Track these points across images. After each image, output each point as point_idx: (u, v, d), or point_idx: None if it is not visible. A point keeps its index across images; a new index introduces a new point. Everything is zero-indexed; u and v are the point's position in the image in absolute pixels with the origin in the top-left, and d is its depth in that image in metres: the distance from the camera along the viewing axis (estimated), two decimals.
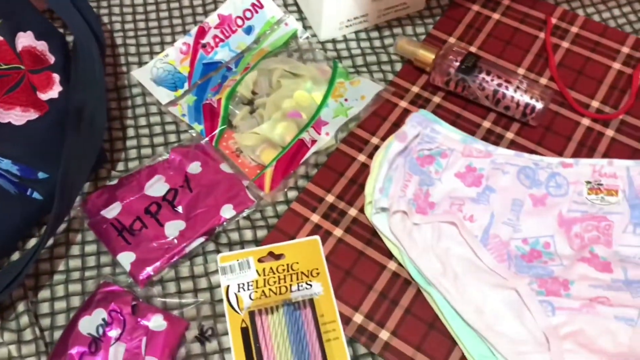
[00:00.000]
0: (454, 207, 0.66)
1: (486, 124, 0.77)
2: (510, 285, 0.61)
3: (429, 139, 0.69)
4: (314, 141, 0.73)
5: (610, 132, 0.76)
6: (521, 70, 0.81)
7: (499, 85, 0.74)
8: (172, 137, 0.76)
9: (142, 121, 0.77)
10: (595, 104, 0.78)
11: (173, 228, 0.68)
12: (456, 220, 0.64)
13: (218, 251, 0.67)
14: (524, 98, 0.74)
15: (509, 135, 0.76)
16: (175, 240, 0.67)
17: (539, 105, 0.73)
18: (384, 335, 0.63)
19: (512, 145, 0.75)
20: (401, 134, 0.68)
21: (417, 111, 0.73)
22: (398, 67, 0.82)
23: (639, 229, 0.65)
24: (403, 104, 0.78)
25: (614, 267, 0.63)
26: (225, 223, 0.68)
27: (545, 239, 0.65)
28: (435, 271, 0.63)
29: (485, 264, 0.63)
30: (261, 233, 0.69)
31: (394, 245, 0.66)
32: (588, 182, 0.68)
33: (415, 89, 0.79)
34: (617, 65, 0.81)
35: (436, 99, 0.78)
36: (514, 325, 0.60)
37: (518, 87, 0.74)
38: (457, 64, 0.75)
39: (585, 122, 0.77)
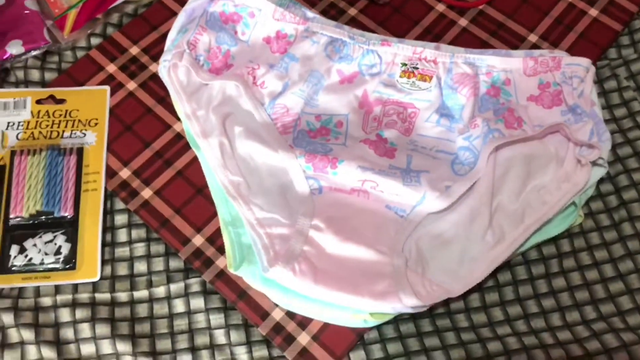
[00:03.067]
0: (245, 69, 0.60)
1: None
2: (278, 157, 0.56)
3: None
4: None
5: (463, 22, 0.68)
6: None
7: None
8: None
9: None
10: None
11: None
12: (241, 83, 0.59)
13: (1, 87, 0.63)
14: None
15: (352, 11, 0.69)
16: None
17: None
18: (147, 193, 0.59)
19: (352, 22, 0.68)
20: None
21: None
22: None
23: (443, 120, 0.59)
24: None
25: (399, 154, 0.57)
26: (12, 59, 0.64)
27: (339, 117, 0.59)
28: (208, 131, 0.58)
29: (260, 130, 0.58)
30: (50, 76, 0.64)
31: (176, 103, 0.61)
32: (404, 64, 0.61)
33: None
34: None
35: None
36: (273, 194, 0.55)
37: None
38: None
39: (440, 7, 0.69)
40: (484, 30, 0.68)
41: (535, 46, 0.67)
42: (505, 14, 0.68)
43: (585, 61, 0.58)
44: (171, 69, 0.59)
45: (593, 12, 0.68)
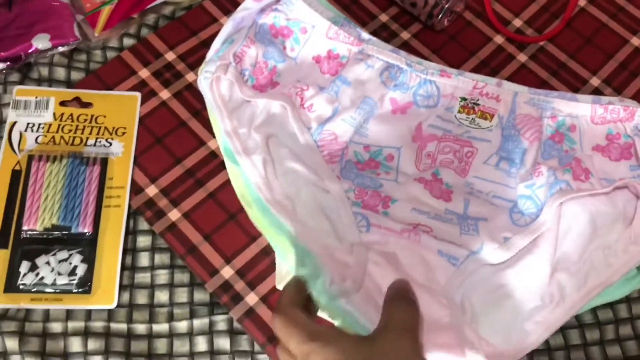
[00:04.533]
0: (294, 89, 0.55)
1: (384, 17, 0.65)
2: (323, 186, 0.52)
3: (292, 7, 0.57)
4: None
5: (522, 57, 0.64)
6: None
7: None
8: None
9: None
10: (517, 22, 0.66)
11: None
12: (288, 103, 0.54)
13: (22, 84, 0.58)
14: None
15: (405, 35, 0.64)
16: None
17: (449, 7, 0.62)
18: (174, 215, 0.54)
19: (404, 47, 0.63)
20: None
21: None
22: None
23: (503, 163, 0.54)
24: None
25: (455, 197, 0.53)
26: (36, 54, 0.58)
27: (390, 150, 0.55)
28: (251, 149, 0.53)
29: (304, 156, 0.53)
30: (77, 76, 0.59)
31: (215, 119, 0.56)
32: (463, 99, 0.56)
33: None
34: None
35: None
36: (322, 224, 0.50)
37: None
38: None
39: (499, 39, 0.65)
40: (543, 68, 0.63)
41: (597, 90, 0.62)
42: (567, 52, 0.64)
43: None
44: (213, 82, 0.54)
45: None
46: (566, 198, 0.50)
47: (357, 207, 0.51)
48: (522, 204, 0.52)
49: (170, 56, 0.60)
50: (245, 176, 0.52)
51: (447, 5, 0.62)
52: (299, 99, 0.55)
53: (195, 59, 0.60)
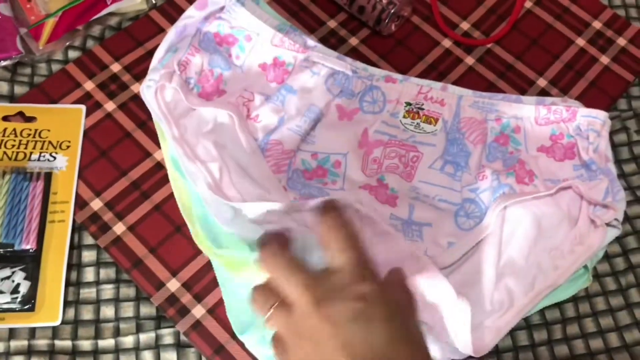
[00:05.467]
0: (240, 99, 0.55)
1: (332, 23, 0.65)
2: (271, 199, 0.51)
3: (236, 15, 0.57)
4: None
5: (470, 60, 0.64)
6: None
7: None
8: None
9: None
10: (465, 25, 0.66)
11: None
12: (235, 113, 0.54)
13: None
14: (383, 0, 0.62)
15: (353, 41, 0.65)
16: None
17: (396, 12, 0.62)
18: (119, 228, 0.53)
19: (353, 53, 0.64)
20: (202, 1, 0.57)
21: None
22: None
23: (448, 167, 0.55)
24: None
25: (401, 202, 0.53)
26: None
27: (337, 157, 0.55)
28: (201, 156, 0.52)
29: (251, 166, 0.53)
30: (21, 90, 0.58)
31: (161, 128, 0.55)
32: (408, 104, 0.57)
33: None
34: None
35: None
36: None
37: None
38: None
39: (446, 43, 0.65)
40: (491, 70, 0.64)
41: (544, 91, 0.63)
42: (514, 54, 0.65)
43: (602, 114, 0.55)
44: (158, 91, 0.54)
45: (604, 59, 0.65)
46: (509, 202, 0.51)
47: None
48: (467, 207, 0.53)
49: (115, 67, 0.60)
50: (192, 189, 0.52)
51: (393, 10, 0.62)
52: (245, 110, 0.55)
53: (141, 69, 0.60)
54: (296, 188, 0.53)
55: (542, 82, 0.64)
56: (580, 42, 0.66)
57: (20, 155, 0.55)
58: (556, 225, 0.52)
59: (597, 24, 0.67)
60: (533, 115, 0.56)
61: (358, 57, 0.62)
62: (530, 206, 0.52)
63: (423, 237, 0.51)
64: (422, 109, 0.56)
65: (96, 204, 0.54)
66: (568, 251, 0.51)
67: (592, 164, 0.53)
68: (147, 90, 0.54)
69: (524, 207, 0.52)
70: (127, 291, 0.52)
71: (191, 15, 0.56)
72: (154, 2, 0.64)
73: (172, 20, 0.63)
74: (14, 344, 0.49)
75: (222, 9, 0.57)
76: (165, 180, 0.55)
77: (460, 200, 0.53)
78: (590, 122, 0.55)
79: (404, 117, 0.56)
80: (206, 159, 0.52)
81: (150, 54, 0.60)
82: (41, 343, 0.49)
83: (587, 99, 0.63)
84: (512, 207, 0.52)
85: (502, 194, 0.51)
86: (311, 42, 0.58)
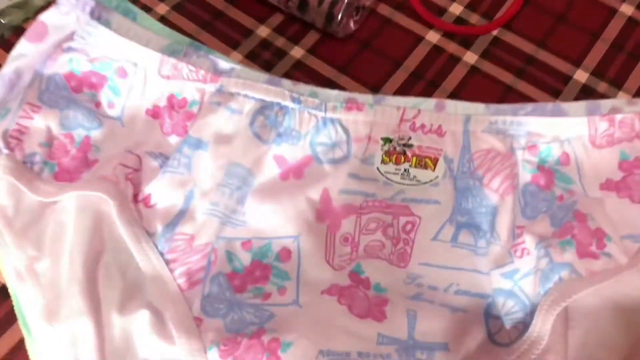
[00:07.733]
0: (121, 169, 0.34)
1: (263, 30, 0.45)
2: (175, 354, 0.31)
3: (94, 39, 0.36)
4: None
5: (470, 57, 0.44)
6: None
7: None
8: None
9: None
10: (455, 8, 0.46)
11: None
12: (114, 197, 0.33)
13: None
14: None
15: (297, 52, 0.44)
16: None
17: (352, 2, 0.41)
18: None
19: (298, 70, 0.43)
20: (38, 28, 0.36)
21: None
22: None
23: (464, 234, 0.34)
24: None
25: (393, 309, 0.32)
26: None
27: (284, 241, 0.34)
28: (60, 306, 0.32)
29: (144, 290, 0.32)
30: None
31: None
32: (387, 140, 0.36)
33: None
34: None
35: None
36: None
37: None
38: None
39: (433, 37, 0.45)
40: (503, 68, 0.43)
41: (587, 88, 0.42)
42: (534, 40, 0.44)
43: None
44: None
45: None
46: (571, 300, 0.30)
47: None
48: (500, 303, 0.32)
49: None
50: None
51: (348, 0, 0.42)
52: (130, 187, 0.34)
53: None
54: (218, 313, 0.32)
55: (581, 76, 0.43)
56: (627, 9, 0.45)
57: None
58: None
59: None
60: (587, 133, 0.35)
61: (305, 76, 0.42)
62: (609, 292, 0.31)
63: None
64: (411, 146, 0.36)
65: None
66: None
67: None
68: None
69: (597, 297, 0.31)
70: None
71: (23, 53, 0.35)
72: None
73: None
74: None
75: (71, 35, 0.36)
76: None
77: (490, 291, 0.32)
78: None
79: (384, 162, 0.35)
80: (67, 307, 0.31)
81: None
82: None
83: None
84: (580, 300, 0.31)
85: (558, 282, 0.30)
86: (224, 63, 0.37)
